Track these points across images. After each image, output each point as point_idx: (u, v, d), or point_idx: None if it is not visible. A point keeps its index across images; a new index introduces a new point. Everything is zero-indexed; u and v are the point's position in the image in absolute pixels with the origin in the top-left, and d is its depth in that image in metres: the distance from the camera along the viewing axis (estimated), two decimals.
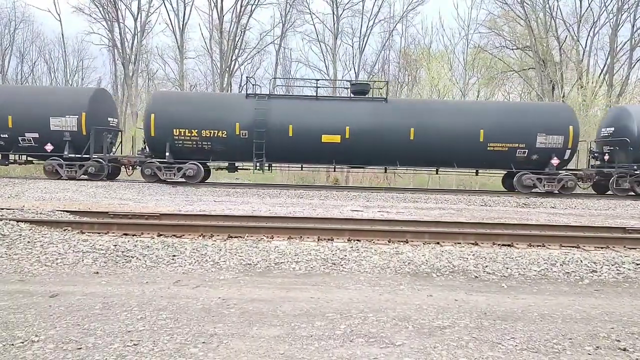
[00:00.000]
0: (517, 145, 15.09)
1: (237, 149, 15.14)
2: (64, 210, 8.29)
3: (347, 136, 14.93)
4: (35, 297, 3.99)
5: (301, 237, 6.69)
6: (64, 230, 6.66)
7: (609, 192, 15.81)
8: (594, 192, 16.69)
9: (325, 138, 14.96)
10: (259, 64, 35.34)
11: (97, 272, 4.90)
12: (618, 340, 3.34)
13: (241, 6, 31.97)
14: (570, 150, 15.22)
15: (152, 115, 15.01)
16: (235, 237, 6.60)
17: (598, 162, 16.49)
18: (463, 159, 15.36)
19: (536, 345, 3.22)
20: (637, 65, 27.52)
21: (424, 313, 3.83)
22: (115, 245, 5.69)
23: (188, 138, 14.98)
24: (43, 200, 10.38)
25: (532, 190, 15.27)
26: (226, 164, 16.24)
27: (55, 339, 3.08)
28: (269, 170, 16.38)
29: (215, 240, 6.32)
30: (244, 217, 8.14)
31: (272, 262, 5.36)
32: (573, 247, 6.62)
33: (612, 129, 16.05)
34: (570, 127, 15.10)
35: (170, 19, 33.32)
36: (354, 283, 4.72)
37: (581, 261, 5.63)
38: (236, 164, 16.12)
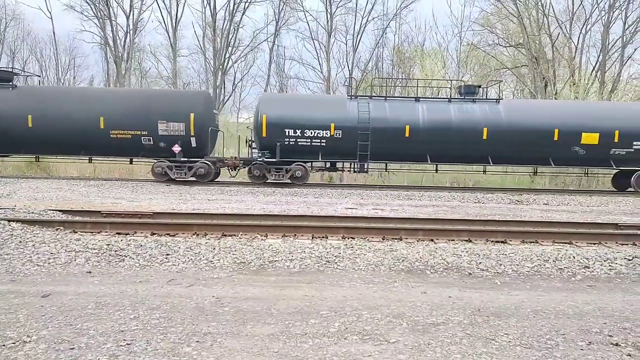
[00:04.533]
0: (140, 132, 15.11)
1: None
2: (56, 210, 8.22)
3: None
4: (27, 297, 3.96)
5: (295, 235, 6.67)
6: (56, 229, 6.60)
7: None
8: (591, 189, 16.72)
9: None
10: (253, 61, 35.18)
11: (90, 272, 4.87)
12: (610, 336, 3.37)
13: (234, 4, 31.87)
14: (194, 138, 15.26)
15: None
16: (229, 236, 6.58)
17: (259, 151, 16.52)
18: (89, 146, 15.37)
19: (529, 341, 3.23)
20: (628, 62, 27.75)
21: (418, 310, 3.84)
22: (108, 245, 5.66)
23: None
24: (35, 199, 10.30)
25: (184, 179, 15.16)
26: None
27: (47, 339, 3.06)
28: None
29: (209, 239, 6.30)
30: (238, 216, 8.12)
31: (267, 261, 5.35)
32: (566, 243, 6.66)
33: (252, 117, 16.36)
34: (192, 115, 15.18)
35: (162, 16, 33.07)
36: (348, 281, 4.73)
37: (574, 257, 5.67)
38: None
